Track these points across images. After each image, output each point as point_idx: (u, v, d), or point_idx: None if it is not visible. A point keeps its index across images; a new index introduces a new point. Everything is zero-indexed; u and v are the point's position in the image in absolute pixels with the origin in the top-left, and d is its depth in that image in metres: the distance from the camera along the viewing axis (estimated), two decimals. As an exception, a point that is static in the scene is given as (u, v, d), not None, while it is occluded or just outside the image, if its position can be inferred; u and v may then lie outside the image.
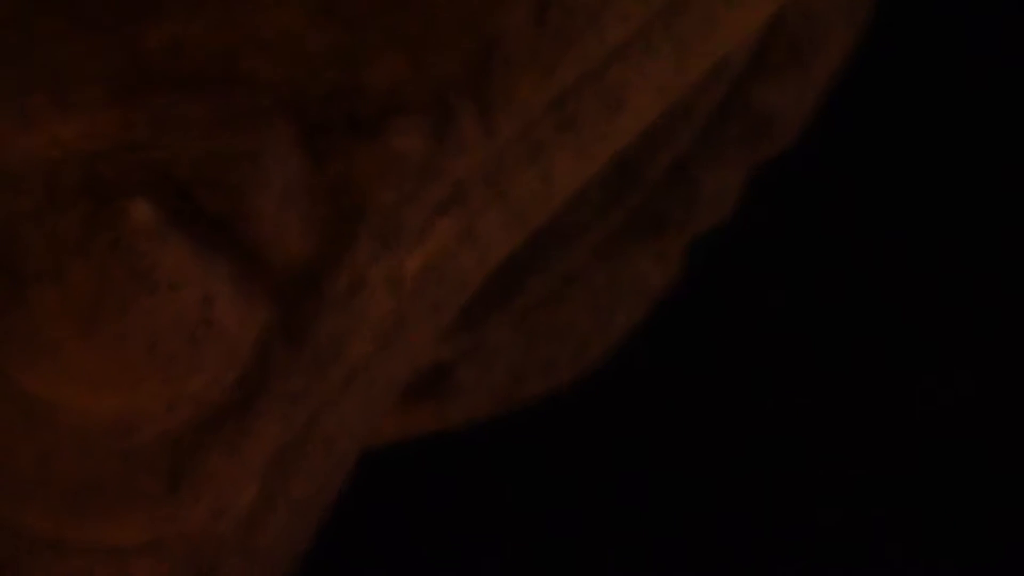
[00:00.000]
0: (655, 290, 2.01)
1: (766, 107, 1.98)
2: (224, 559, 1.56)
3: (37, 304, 1.47)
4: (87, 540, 1.53)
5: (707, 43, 1.68)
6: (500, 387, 1.94)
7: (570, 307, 1.96)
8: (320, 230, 1.53)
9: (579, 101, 1.64)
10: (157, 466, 1.51)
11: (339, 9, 1.57)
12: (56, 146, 1.53)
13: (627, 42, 1.62)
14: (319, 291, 1.53)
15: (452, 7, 1.57)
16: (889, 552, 2.32)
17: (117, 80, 1.56)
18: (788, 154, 2.05)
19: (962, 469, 2.38)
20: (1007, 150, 2.41)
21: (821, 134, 2.12)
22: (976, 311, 2.38)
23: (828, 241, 2.35)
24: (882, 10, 2.11)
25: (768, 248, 2.29)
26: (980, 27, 2.44)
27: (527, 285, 1.92)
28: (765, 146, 2.01)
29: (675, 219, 1.98)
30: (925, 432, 2.41)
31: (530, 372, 1.95)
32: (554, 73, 1.58)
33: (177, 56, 1.57)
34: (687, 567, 2.31)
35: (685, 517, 2.29)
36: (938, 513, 2.31)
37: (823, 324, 2.37)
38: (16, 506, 1.52)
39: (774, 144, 2.01)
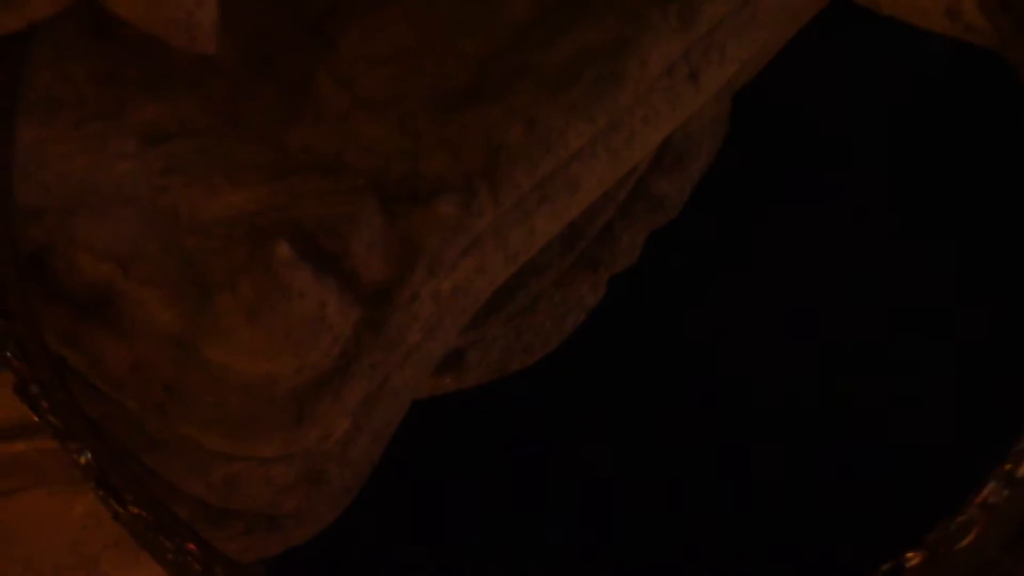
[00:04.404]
0: (590, 306, 2.05)
1: (661, 193, 2.05)
2: (328, 466, 1.65)
3: (219, 305, 1.58)
4: (245, 453, 1.62)
5: (630, 152, 1.76)
6: (495, 363, 2.00)
7: (539, 315, 2.02)
8: (392, 263, 1.62)
9: (552, 184, 1.71)
10: (289, 408, 1.60)
11: (406, 125, 1.67)
12: (231, 208, 1.62)
13: (581, 149, 1.70)
14: (391, 300, 1.62)
15: (476, 124, 1.66)
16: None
17: (269, 166, 1.65)
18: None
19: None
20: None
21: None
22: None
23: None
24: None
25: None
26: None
27: (513, 300, 1.96)
28: (660, 218, 2.06)
29: (604, 262, 2.03)
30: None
31: (514, 354, 2.01)
32: (537, 167, 1.67)
33: (307, 151, 1.67)
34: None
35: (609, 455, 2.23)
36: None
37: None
38: (202, 431, 1.61)
39: (666, 216, 2.06)
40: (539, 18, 1.73)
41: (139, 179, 1.65)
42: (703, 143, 2.07)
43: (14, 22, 1.46)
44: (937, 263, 2.15)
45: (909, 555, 1.43)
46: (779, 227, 2.29)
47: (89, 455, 1.52)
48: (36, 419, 1.55)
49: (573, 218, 1.81)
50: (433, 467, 1.92)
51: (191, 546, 1.50)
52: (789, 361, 2.19)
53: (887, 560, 1.43)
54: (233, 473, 1.62)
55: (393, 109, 1.68)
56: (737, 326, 2.27)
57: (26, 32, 1.52)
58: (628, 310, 2.10)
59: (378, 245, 1.62)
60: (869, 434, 2.10)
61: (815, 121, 2.29)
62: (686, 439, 2.24)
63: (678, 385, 2.24)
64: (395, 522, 1.83)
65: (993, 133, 1.96)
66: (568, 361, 2.03)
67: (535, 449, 2.19)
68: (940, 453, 1.62)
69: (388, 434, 1.71)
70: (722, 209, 2.15)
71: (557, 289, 2.02)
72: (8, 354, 1.53)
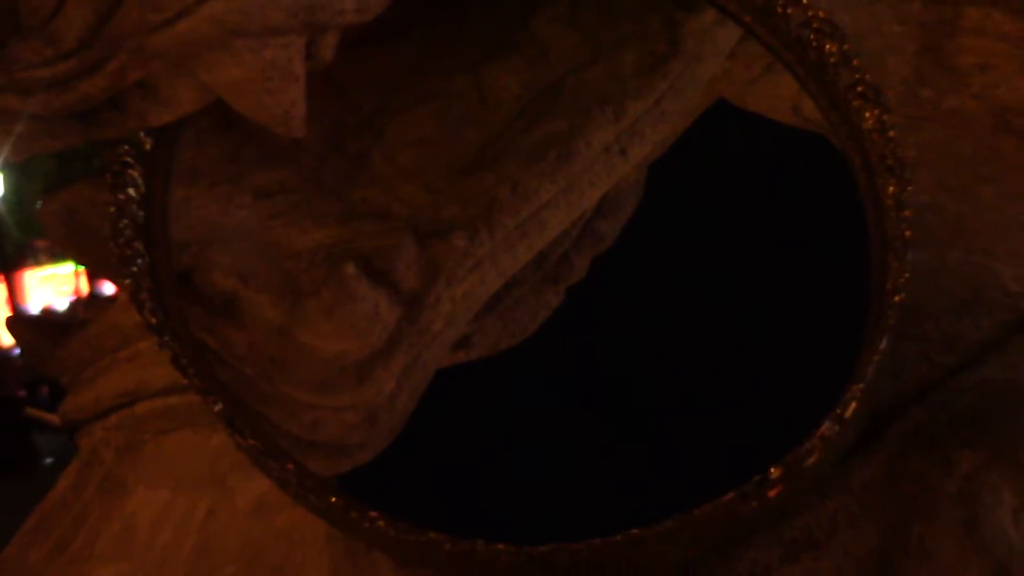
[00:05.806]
0: (554, 307, 2.03)
1: (601, 231, 2.06)
2: (381, 414, 1.68)
3: (307, 306, 1.61)
4: (325, 403, 1.64)
5: (580, 204, 1.82)
6: (491, 344, 1.96)
7: (520, 312, 1.99)
8: (422, 277, 1.66)
9: (528, 225, 1.76)
10: (354, 373, 1.63)
11: (432, 186, 1.72)
12: (315, 242, 1.67)
13: (549, 201, 1.75)
14: (422, 302, 1.66)
15: (477, 186, 1.71)
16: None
17: (339, 214, 1.70)
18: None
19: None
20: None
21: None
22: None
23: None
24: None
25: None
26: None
27: (502, 303, 1.93)
28: (600, 247, 2.06)
29: (562, 277, 2.03)
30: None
31: (504, 338, 1.98)
32: (519, 213, 1.72)
33: (365, 203, 1.71)
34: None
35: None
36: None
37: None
38: (296, 389, 1.64)
39: (604, 246, 2.07)
40: (519, 114, 1.77)
41: (253, 222, 1.69)
42: (629, 197, 2.09)
43: (168, 116, 1.48)
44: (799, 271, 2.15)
45: (772, 470, 1.48)
46: (676, 254, 2.31)
47: (221, 405, 1.57)
48: (185, 381, 1.59)
49: (542, 248, 1.84)
50: (448, 412, 1.89)
51: (289, 466, 1.56)
52: (681, 341, 2.21)
53: (757, 474, 1.48)
54: (317, 417, 1.65)
55: (421, 176, 1.72)
56: (652, 317, 2.29)
57: (177, 123, 1.54)
58: (579, 309, 2.09)
59: (413, 266, 1.66)
60: (747, 389, 2.12)
61: (705, 182, 2.31)
62: (617, 389, 2.28)
63: (611, 359, 2.28)
64: (422, 450, 1.81)
65: (824, 197, 1.95)
66: (539, 342, 2.04)
67: (522, 396, 2.21)
68: (795, 399, 1.63)
69: (420, 391, 1.74)
70: (641, 241, 2.15)
71: (531, 295, 2.01)
72: (167, 338, 1.58)
